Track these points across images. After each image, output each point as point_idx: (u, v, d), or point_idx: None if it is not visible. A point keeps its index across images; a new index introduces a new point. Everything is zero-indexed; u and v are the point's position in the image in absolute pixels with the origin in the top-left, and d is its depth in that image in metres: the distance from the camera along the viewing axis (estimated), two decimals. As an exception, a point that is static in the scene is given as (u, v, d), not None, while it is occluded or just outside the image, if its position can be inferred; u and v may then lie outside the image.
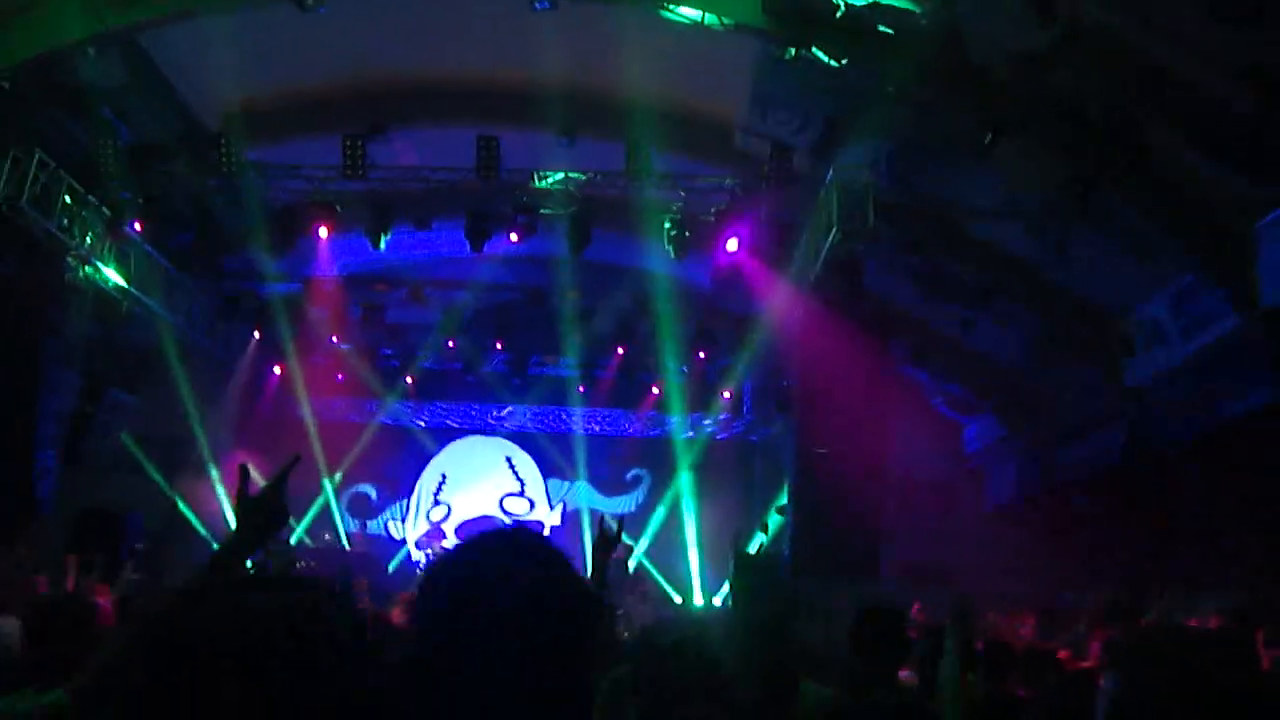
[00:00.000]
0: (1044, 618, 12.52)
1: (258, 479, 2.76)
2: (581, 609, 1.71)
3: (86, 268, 15.18)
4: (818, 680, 5.68)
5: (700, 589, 20.89)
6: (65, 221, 14.24)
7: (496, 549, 1.76)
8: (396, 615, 9.69)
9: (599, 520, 4.72)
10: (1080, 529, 16.30)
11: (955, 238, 14.92)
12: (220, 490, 19.95)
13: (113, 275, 15.79)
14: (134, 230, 15.85)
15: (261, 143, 15.33)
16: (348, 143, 15.31)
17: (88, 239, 14.92)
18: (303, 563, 19.48)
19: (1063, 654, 9.17)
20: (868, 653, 5.04)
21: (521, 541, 1.80)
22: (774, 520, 19.46)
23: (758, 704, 4.42)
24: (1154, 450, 14.48)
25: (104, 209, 15.00)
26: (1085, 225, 12.52)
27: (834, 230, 14.40)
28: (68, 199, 14.17)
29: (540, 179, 16.41)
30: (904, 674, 7.43)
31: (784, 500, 18.03)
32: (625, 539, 18.43)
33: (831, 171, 14.52)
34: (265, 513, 2.74)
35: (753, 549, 19.07)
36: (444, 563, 1.76)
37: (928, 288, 15.80)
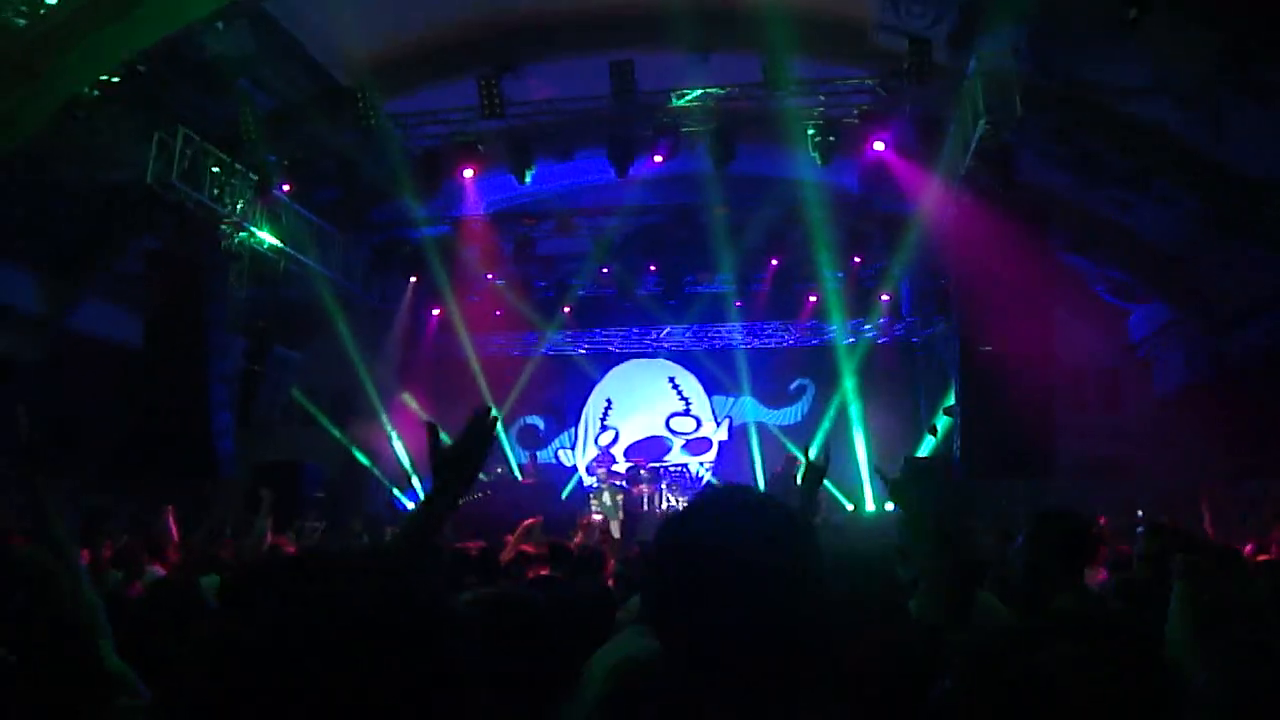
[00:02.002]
0: (1219, 511, 12.05)
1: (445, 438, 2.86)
2: (802, 549, 1.80)
3: (241, 233, 15.54)
4: (994, 588, 5.51)
5: (871, 495, 20.67)
6: (215, 191, 14.63)
7: (724, 503, 1.89)
8: (578, 541, 9.78)
9: (805, 449, 4.65)
10: (1254, 416, 15.56)
11: (1106, 120, 14.26)
12: (392, 434, 20.41)
13: (267, 237, 16.15)
14: (282, 192, 16.19)
15: (396, 93, 15.46)
16: (482, 83, 15.31)
17: (239, 205, 15.28)
18: (479, 494, 19.86)
19: (1248, 548, 8.82)
20: (1048, 558, 4.83)
21: (746, 497, 1.91)
22: (942, 422, 19.11)
23: (936, 619, 4.30)
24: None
25: (251, 175, 15.32)
26: (1243, 99, 11.84)
27: (981, 121, 13.98)
28: (215, 169, 14.52)
29: (678, 98, 16.20)
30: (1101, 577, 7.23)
31: (951, 401, 17.68)
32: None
33: (973, 61, 14.05)
34: (458, 468, 2.86)
35: (920, 453, 18.92)
36: (678, 518, 1.88)
37: (1082, 173, 15.19)
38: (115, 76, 12.33)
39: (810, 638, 1.75)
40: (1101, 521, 10.34)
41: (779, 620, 1.71)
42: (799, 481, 4.74)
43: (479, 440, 2.94)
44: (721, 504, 1.90)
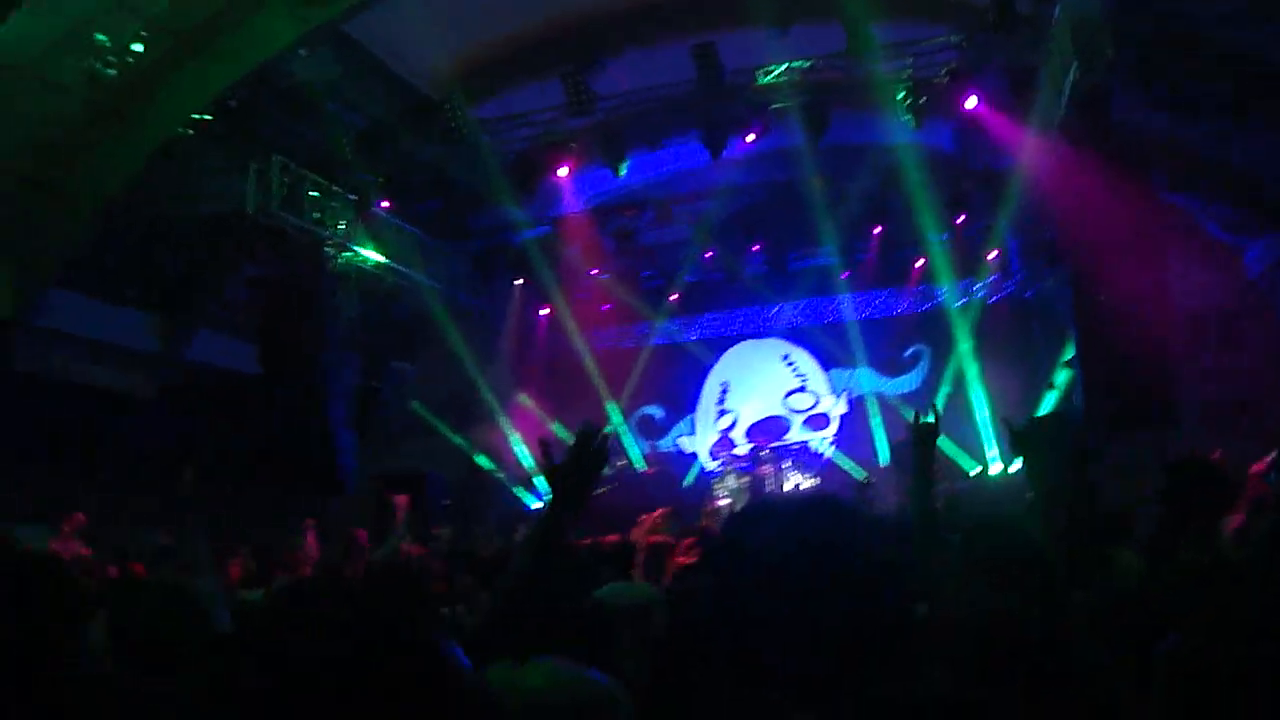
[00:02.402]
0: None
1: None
2: (866, 540, 1.77)
3: (345, 253, 15.84)
4: (1126, 542, 5.40)
5: (999, 457, 20.37)
6: (316, 215, 14.93)
7: (781, 509, 1.89)
8: (704, 527, 9.78)
9: (916, 414, 4.51)
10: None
11: (1201, 52, 13.87)
12: (513, 437, 20.64)
13: (371, 255, 16.44)
14: (382, 209, 16.45)
15: (482, 99, 15.66)
16: (568, 80, 15.38)
17: (340, 226, 15.55)
18: (604, 489, 19.96)
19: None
20: (1180, 509, 4.73)
21: (819, 502, 1.88)
22: (1061, 376, 18.77)
23: (1068, 579, 4.24)
24: None
25: (350, 195, 15.60)
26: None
27: (1073, 67, 13.70)
28: (314, 194, 14.82)
29: (764, 75, 16.16)
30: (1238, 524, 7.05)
31: (1069, 354, 17.36)
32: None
33: (1058, 6, 13.75)
34: (572, 481, 2.98)
35: (1042, 410, 18.56)
36: (741, 520, 1.92)
37: (1179, 108, 14.79)
38: (207, 114, 12.66)
39: (867, 643, 1.71)
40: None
41: (824, 629, 1.68)
42: (913, 449, 4.66)
43: (589, 455, 3.02)
44: (779, 510, 1.89)
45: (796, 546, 1.74)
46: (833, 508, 1.83)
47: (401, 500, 9.56)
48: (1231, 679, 3.19)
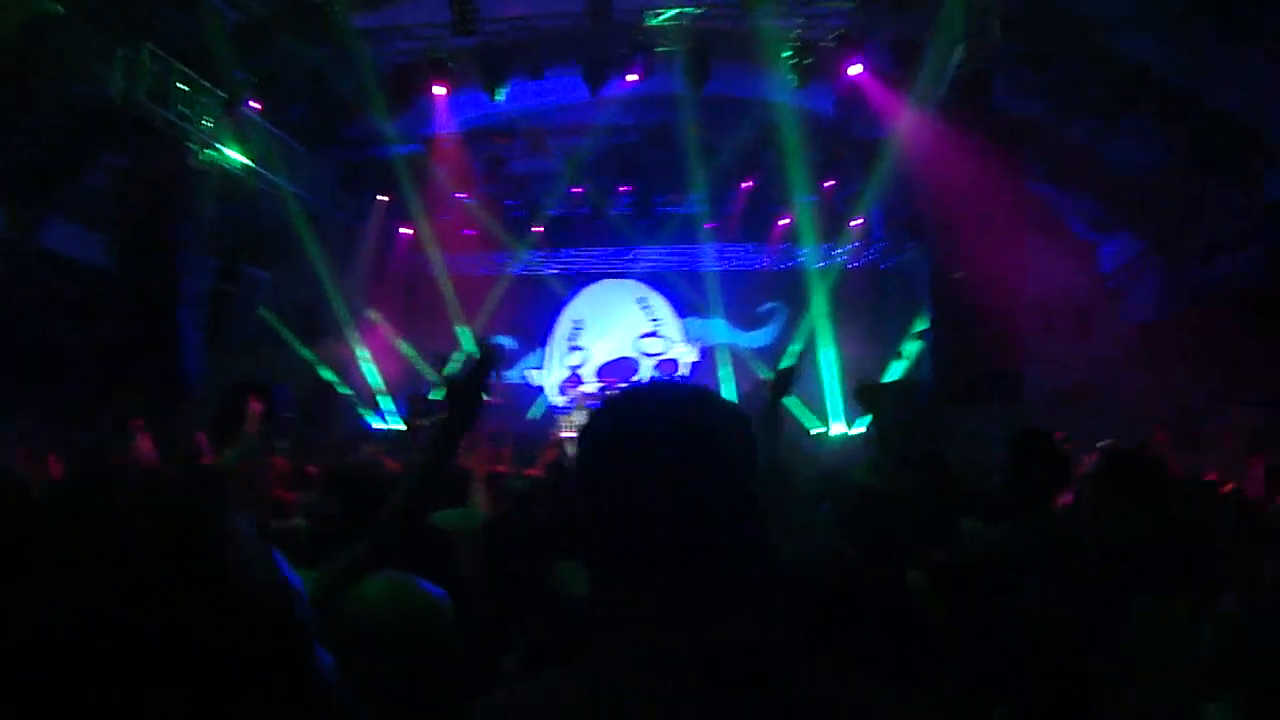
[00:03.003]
0: (1183, 439, 12.15)
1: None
2: (732, 428, 1.76)
3: (209, 151, 15.28)
4: (969, 511, 5.57)
5: (842, 418, 20.79)
6: (183, 108, 14.33)
7: (653, 389, 1.87)
8: (549, 458, 9.81)
9: (775, 369, 4.71)
10: (1221, 350, 15.67)
11: (1084, 50, 14.21)
12: (361, 354, 20.35)
13: (235, 155, 15.89)
14: (251, 109, 15.93)
15: (367, 7, 15.14)
16: (455, -2, 15.04)
17: (207, 123, 14.99)
18: (440, 414, 19.79)
19: (1211, 475, 8.92)
20: (1022, 479, 4.88)
21: (676, 384, 1.91)
22: (911, 346, 19.19)
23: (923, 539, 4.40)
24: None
25: (219, 92, 15.03)
26: (1223, 35, 11.79)
27: (959, 47, 13.92)
28: (183, 86, 14.22)
29: (653, 17, 16.00)
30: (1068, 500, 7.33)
31: (921, 326, 17.75)
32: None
33: (952, -14, 13.92)
34: (469, 397, 3.07)
35: (890, 378, 19.00)
36: (607, 401, 1.87)
37: (1058, 103, 15.15)
38: (80, -9, 12.07)
39: (739, 533, 1.70)
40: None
41: (703, 508, 1.66)
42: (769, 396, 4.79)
43: (485, 371, 3.12)
44: (652, 393, 1.87)
45: (670, 426, 1.73)
46: (705, 394, 1.83)
47: (256, 407, 9.29)
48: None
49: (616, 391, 1.94)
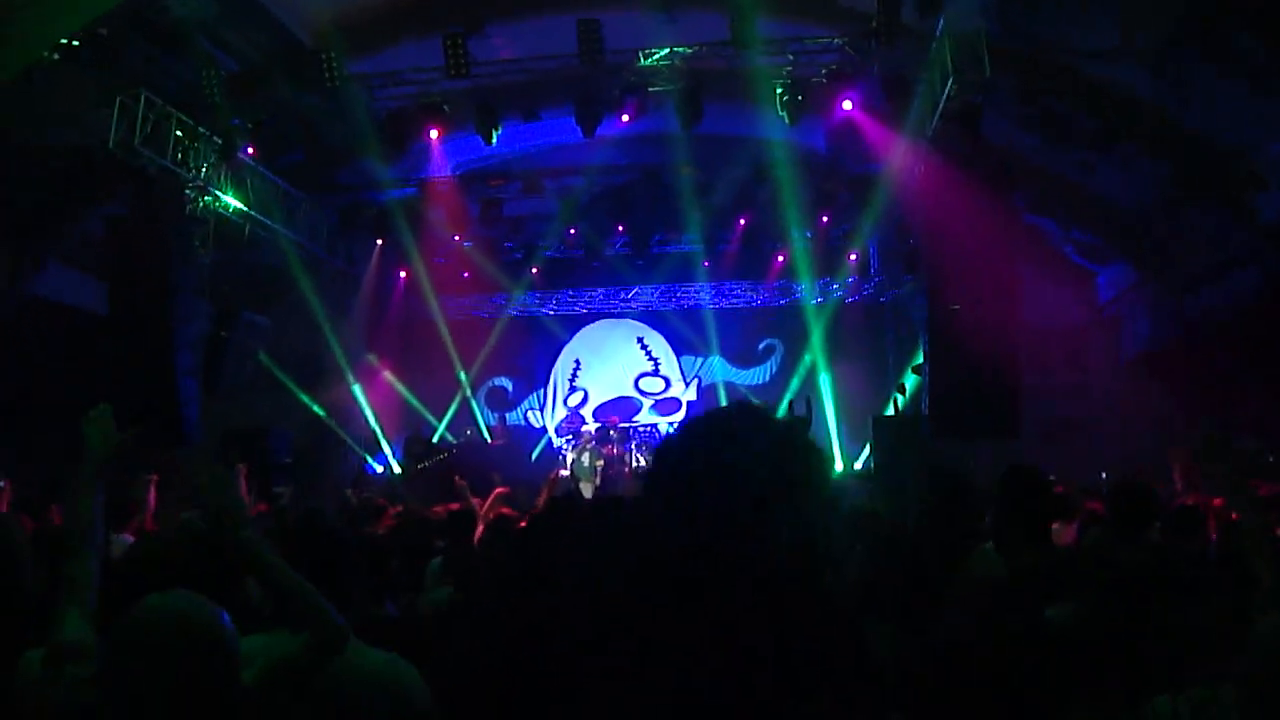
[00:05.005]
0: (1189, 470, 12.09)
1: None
2: (782, 438, 1.93)
3: (205, 197, 15.39)
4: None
5: (839, 454, 20.77)
6: (179, 155, 14.47)
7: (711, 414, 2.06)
8: (544, 497, 9.81)
9: (790, 404, 4.72)
10: (1216, 379, 15.65)
11: (1073, 82, 14.29)
12: (361, 398, 20.35)
13: (232, 201, 16.01)
14: (247, 155, 16.03)
15: (360, 54, 15.26)
16: (448, 42, 15.11)
17: (203, 169, 15.09)
18: (444, 455, 19.86)
19: (1217, 502, 8.87)
20: (1015, 513, 4.89)
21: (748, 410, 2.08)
22: (910, 380, 19.19)
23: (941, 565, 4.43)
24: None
25: (215, 138, 15.15)
26: (1209, 64, 11.86)
27: (949, 82, 14.00)
28: (179, 133, 14.36)
29: (645, 57, 16.09)
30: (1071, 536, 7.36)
31: (918, 360, 17.75)
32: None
33: (942, 22, 14.02)
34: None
35: (889, 413, 19.03)
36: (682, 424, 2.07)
37: (1048, 134, 15.23)
38: (75, 40, 12.12)
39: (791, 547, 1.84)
40: (1059, 490, 10.40)
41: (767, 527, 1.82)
42: None
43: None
44: (720, 414, 2.06)
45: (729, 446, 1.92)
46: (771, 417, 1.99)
47: (242, 469, 9.38)
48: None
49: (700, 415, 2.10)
